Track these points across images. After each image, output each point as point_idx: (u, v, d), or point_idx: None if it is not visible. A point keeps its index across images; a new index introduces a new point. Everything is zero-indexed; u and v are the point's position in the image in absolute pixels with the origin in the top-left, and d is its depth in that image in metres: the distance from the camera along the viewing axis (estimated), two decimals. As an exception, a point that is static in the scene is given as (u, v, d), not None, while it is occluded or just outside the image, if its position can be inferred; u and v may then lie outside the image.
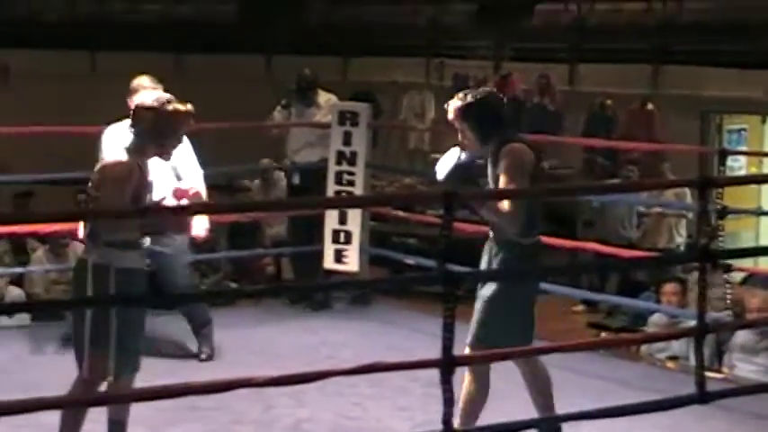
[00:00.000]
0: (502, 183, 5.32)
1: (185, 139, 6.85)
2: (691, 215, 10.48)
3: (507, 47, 14.69)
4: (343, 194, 8.85)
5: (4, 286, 8.83)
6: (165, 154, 5.34)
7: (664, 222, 10.71)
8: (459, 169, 5.48)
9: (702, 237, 5.28)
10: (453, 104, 5.54)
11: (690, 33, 13.26)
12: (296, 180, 9.49)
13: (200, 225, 6.94)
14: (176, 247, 7.13)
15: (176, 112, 5.29)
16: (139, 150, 5.24)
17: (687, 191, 10.20)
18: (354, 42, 15.74)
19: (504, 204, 5.29)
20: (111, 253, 5.12)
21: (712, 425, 6.28)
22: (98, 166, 5.37)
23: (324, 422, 6.21)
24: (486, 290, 5.52)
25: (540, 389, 5.66)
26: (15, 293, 8.97)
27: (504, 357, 4.76)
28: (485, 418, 4.89)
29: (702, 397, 4.24)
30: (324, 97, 9.33)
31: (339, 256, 8.95)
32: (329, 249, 8.99)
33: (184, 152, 6.88)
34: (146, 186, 5.20)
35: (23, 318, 8.53)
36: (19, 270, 9.39)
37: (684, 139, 11.91)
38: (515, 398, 6.37)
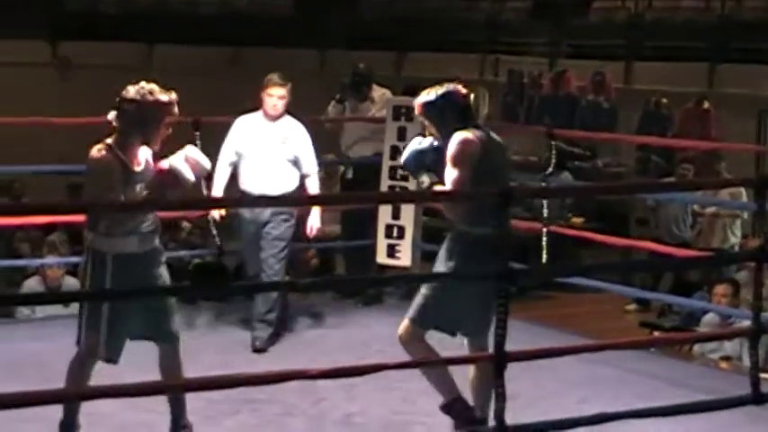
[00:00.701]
0: (447, 171, 5.38)
1: (302, 129, 7.65)
2: (746, 215, 10.39)
3: (563, 43, 14.64)
4: (397, 189, 8.86)
5: (61, 276, 8.91)
6: (151, 143, 5.41)
7: (718, 222, 10.63)
8: (419, 155, 5.59)
9: (760, 236, 5.24)
10: (417, 100, 5.68)
11: (748, 31, 13.15)
12: (349, 174, 9.52)
13: (314, 217, 7.76)
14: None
15: (159, 102, 5.33)
16: (123, 141, 5.34)
17: (743, 190, 10.12)
18: (409, 37, 15.73)
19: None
20: (107, 241, 5.28)
21: (767, 426, 6.24)
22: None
23: (374, 416, 6.22)
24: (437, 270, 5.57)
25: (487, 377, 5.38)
26: (71, 283, 9.05)
27: (556, 354, 4.75)
28: (530, 416, 4.87)
29: (757, 397, 4.23)
30: (378, 92, 9.35)
31: (392, 251, 8.96)
32: (382, 244, 9.00)
33: (304, 142, 7.69)
34: (130, 177, 5.29)
35: (77, 307, 8.61)
36: (74, 260, 9.46)
37: (741, 139, 11.80)
38: (566, 398, 6.38)
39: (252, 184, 7.60)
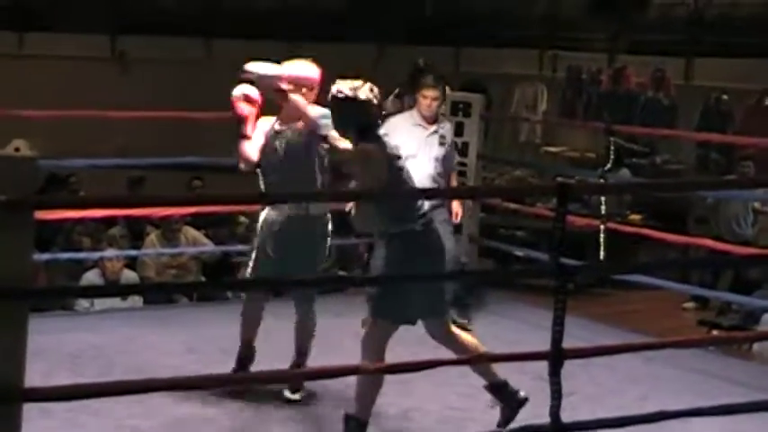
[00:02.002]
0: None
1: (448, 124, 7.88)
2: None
3: (622, 39, 14.55)
4: (454, 185, 8.84)
5: (120, 269, 8.98)
6: None
7: (779, 220, 10.52)
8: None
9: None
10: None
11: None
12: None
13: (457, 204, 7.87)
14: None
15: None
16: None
17: (804, 188, 10.00)
18: (468, 32, 15.70)
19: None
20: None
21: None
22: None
23: (431, 412, 6.21)
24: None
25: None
26: (130, 276, 9.12)
27: (614, 351, 4.71)
28: (587, 414, 4.85)
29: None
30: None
31: (449, 247, 8.94)
32: (438, 240, 8.98)
33: (452, 140, 7.87)
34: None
35: (136, 300, 8.69)
36: (133, 253, 9.54)
37: (803, 136, 11.67)
38: (625, 395, 6.33)
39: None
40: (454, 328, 5.80)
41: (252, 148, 6.32)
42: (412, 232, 5.49)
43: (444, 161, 7.73)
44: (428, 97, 7.67)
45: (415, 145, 7.54)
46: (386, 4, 16.17)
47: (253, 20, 16.29)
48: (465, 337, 5.78)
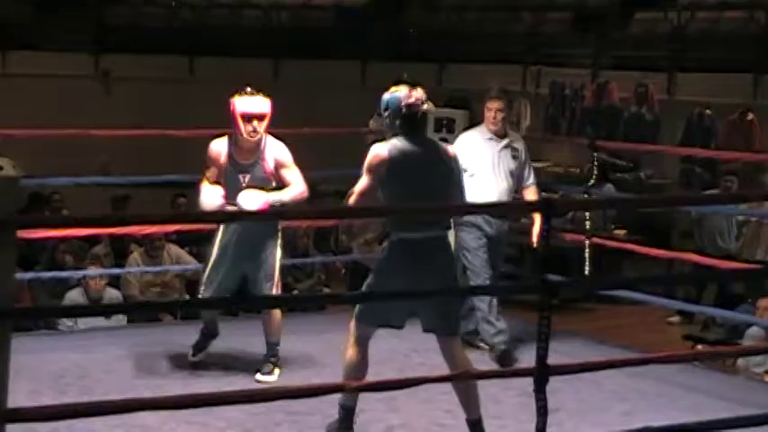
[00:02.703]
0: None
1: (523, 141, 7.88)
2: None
3: (605, 55, 14.58)
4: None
5: (103, 288, 8.95)
6: None
7: (763, 233, 10.53)
8: None
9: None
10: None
11: (792, 43, 13.08)
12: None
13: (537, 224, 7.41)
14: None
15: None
16: None
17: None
18: (450, 49, 15.72)
19: (350, 201, 5.63)
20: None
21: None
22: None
23: (416, 428, 6.19)
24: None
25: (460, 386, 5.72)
26: (113, 295, 9.09)
27: (599, 367, 4.71)
28: (572, 429, 4.84)
29: (802, 412, 4.17)
30: (423, 104, 9.33)
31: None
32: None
33: (527, 154, 7.86)
34: None
35: (120, 319, 8.66)
36: (116, 271, 9.51)
37: (786, 150, 11.71)
38: (609, 411, 6.31)
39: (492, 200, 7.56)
40: (462, 352, 5.81)
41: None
42: (409, 241, 5.52)
43: (519, 175, 7.73)
44: (492, 109, 7.67)
45: (489, 160, 7.62)
46: (370, 21, 16.19)
47: (237, 37, 16.31)
48: (468, 362, 5.76)
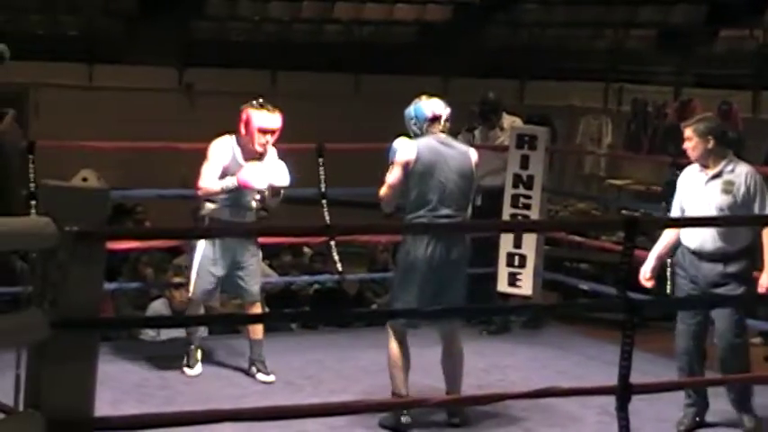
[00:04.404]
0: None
1: (745, 173, 6.50)
2: None
3: (689, 72, 14.46)
4: (519, 218, 8.82)
5: (187, 300, 9.02)
6: None
7: None
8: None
9: None
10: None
11: None
12: (477, 202, 9.49)
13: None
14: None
15: None
16: None
17: None
18: (532, 65, 15.69)
19: (381, 192, 6.38)
20: None
21: None
22: None
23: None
24: None
25: (453, 363, 6.41)
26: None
27: (681, 386, 4.67)
28: None
29: None
30: (508, 120, 9.29)
31: (513, 280, 8.91)
32: (503, 272, 8.96)
33: (750, 187, 6.47)
34: None
35: (201, 330, 8.72)
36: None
37: None
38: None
39: (696, 240, 6.45)
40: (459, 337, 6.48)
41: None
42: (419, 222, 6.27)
43: (732, 213, 6.41)
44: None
45: (692, 194, 6.54)
46: (452, 37, 16.21)
47: (319, 52, 16.40)
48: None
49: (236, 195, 6.98)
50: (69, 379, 3.36)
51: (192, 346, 7.34)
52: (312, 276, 10.28)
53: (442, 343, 6.46)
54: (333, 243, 8.26)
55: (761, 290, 6.43)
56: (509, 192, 8.94)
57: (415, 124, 6.37)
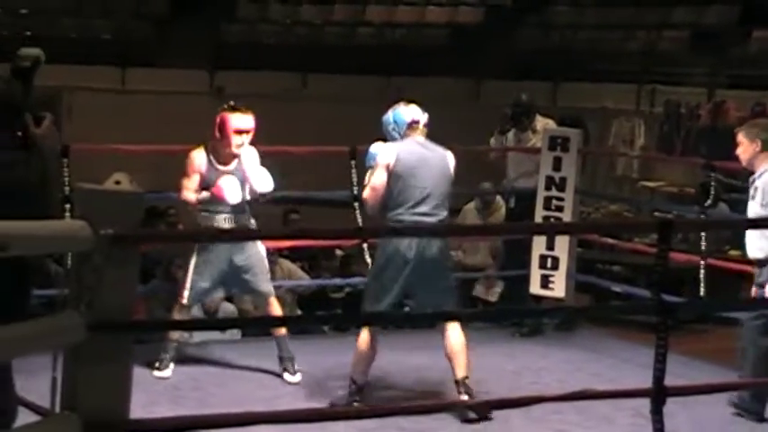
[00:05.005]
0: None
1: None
2: None
3: (722, 74, 14.39)
4: (552, 220, 8.80)
5: (219, 302, 9.05)
6: None
7: None
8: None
9: None
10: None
11: None
12: (511, 204, 9.50)
13: None
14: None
15: None
16: None
17: None
18: (564, 67, 15.65)
19: (365, 194, 6.69)
20: None
21: None
22: None
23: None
24: None
25: (448, 353, 6.51)
26: (229, 309, 9.19)
27: (716, 389, 4.65)
28: None
29: None
30: (542, 122, 9.25)
31: (546, 282, 8.89)
32: (536, 274, 8.94)
33: None
34: None
35: (234, 333, 8.77)
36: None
37: None
38: None
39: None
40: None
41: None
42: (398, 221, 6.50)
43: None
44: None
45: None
46: (484, 39, 16.19)
47: (350, 55, 16.40)
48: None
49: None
50: (105, 381, 3.38)
51: (168, 353, 7.33)
52: (344, 279, 10.28)
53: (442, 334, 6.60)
54: (365, 245, 8.26)
55: None
56: (541, 194, 8.92)
57: (394, 129, 6.68)
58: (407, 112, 6.72)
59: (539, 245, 8.91)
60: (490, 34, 16.34)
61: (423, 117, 6.72)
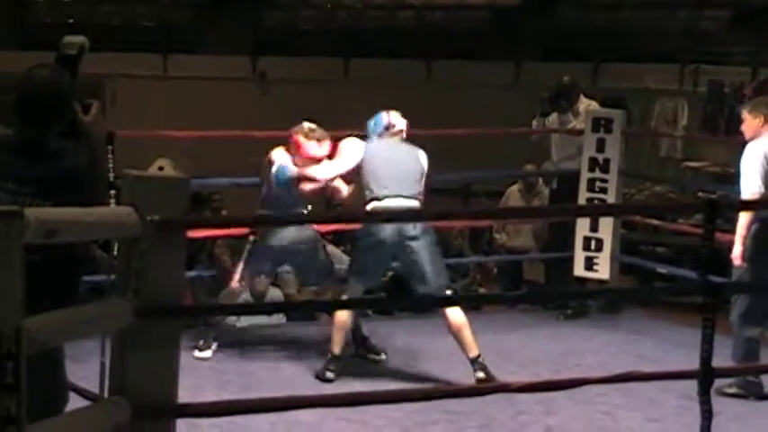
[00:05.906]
0: None
1: None
2: None
3: (766, 52, 14.27)
4: (596, 201, 8.77)
5: (266, 287, 9.09)
6: None
7: None
8: None
9: None
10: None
11: None
12: (554, 185, 9.48)
13: None
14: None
15: None
16: None
17: None
18: (606, 48, 15.56)
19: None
20: None
21: None
22: None
23: (573, 430, 6.15)
24: None
25: (453, 331, 6.79)
26: (276, 294, 9.23)
27: (763, 370, 4.63)
28: None
29: None
30: (584, 104, 9.22)
31: (590, 264, 8.88)
32: (580, 256, 8.93)
33: None
34: None
35: (279, 317, 8.81)
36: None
37: None
38: None
39: None
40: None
41: None
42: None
43: None
44: None
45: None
46: (524, 21, 16.12)
47: (391, 38, 16.38)
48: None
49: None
50: (153, 366, 3.41)
51: (209, 335, 7.47)
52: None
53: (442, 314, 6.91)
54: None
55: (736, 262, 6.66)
56: (585, 176, 8.90)
57: (373, 130, 7.27)
58: (387, 116, 7.31)
59: (583, 227, 8.89)
60: (530, 16, 16.27)
61: (400, 122, 7.27)
